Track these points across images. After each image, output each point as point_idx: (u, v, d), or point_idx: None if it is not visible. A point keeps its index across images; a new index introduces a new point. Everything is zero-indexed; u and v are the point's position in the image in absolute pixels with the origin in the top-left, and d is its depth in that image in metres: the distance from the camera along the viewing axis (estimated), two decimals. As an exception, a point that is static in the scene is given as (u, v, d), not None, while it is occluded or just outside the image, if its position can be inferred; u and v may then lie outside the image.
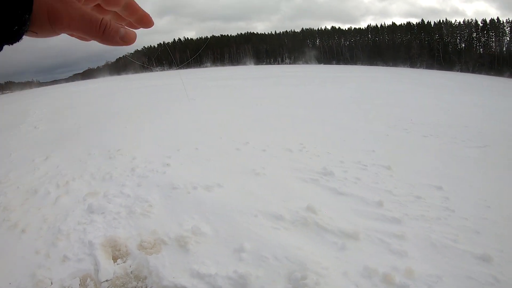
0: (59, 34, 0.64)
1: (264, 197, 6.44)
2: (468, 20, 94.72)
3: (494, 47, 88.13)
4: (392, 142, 10.24)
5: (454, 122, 13.06)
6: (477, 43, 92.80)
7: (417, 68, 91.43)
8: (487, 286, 3.91)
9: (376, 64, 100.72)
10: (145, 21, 0.77)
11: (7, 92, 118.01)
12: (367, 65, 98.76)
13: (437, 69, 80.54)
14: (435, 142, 10.23)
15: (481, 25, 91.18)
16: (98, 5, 0.71)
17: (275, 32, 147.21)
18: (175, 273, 4.42)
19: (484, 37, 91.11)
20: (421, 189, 6.65)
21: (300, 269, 4.20)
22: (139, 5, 0.76)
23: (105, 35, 0.65)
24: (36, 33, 0.61)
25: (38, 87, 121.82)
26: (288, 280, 4.09)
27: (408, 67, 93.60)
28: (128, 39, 0.69)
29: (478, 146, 9.67)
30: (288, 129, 12.24)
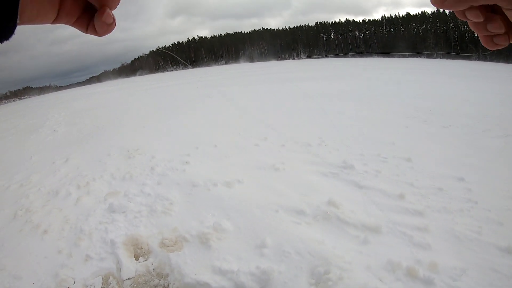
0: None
1: (284, 192, 6.44)
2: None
3: None
4: (411, 134, 10.14)
5: (474, 112, 12.86)
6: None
7: (434, 58, 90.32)
8: (512, 278, 3.86)
9: (392, 56, 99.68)
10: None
11: (25, 97, 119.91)
12: (383, 57, 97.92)
13: (454, 59, 79.31)
14: (455, 133, 10.10)
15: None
16: None
17: (289, 27, 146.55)
18: (197, 270, 4.44)
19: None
20: (443, 180, 6.57)
21: (323, 263, 4.18)
22: None
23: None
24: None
25: (56, 91, 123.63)
26: (311, 275, 4.09)
27: (425, 57, 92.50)
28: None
29: (499, 135, 9.52)
30: (306, 124, 12.21)
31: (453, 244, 4.55)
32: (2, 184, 8.75)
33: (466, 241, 4.58)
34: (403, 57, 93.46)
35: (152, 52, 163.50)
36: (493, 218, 5.13)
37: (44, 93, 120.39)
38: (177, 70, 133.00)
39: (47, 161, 10.47)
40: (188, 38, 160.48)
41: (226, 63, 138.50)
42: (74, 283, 4.52)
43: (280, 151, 9.10)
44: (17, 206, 7.13)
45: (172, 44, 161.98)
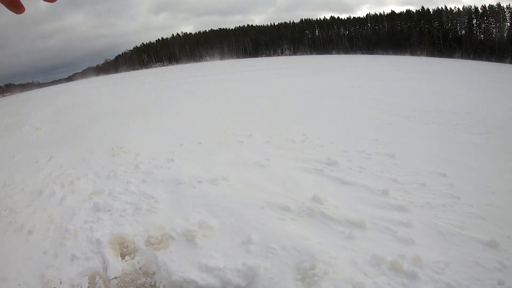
0: None
1: (269, 188, 6.47)
2: (467, 6, 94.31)
3: (494, 34, 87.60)
4: (395, 130, 10.23)
5: (456, 109, 13.02)
6: (477, 30, 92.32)
7: (418, 56, 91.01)
8: (494, 272, 3.92)
9: (376, 53, 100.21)
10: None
11: (8, 95, 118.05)
12: (367, 54, 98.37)
13: (438, 57, 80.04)
14: (438, 129, 10.22)
15: (481, 11, 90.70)
16: None
17: (274, 23, 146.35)
18: (184, 267, 4.44)
19: (484, 23, 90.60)
20: (426, 176, 6.65)
21: (309, 259, 4.22)
22: None
23: None
24: None
25: (39, 88, 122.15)
26: (297, 271, 4.11)
27: (408, 55, 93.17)
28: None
29: (481, 132, 9.65)
30: (291, 120, 12.26)
31: (436, 238, 4.61)
32: None
33: (449, 236, 4.64)
34: (387, 54, 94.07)
35: (136, 48, 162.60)
36: (475, 213, 5.21)
37: (26, 90, 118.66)
38: (161, 66, 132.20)
39: (31, 160, 10.35)
40: (173, 34, 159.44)
41: (210, 60, 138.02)
42: (61, 283, 4.48)
43: (264, 148, 9.13)
44: (1, 206, 7.05)
45: (156, 40, 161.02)
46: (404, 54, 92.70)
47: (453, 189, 6.07)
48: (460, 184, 6.25)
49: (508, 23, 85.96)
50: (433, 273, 3.92)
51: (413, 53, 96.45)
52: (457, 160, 7.57)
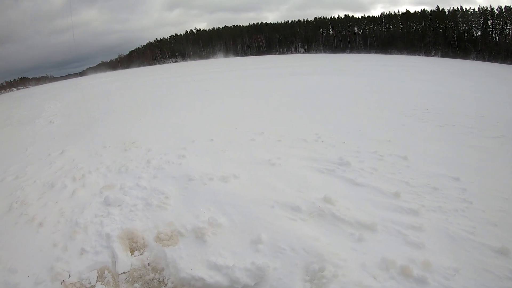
0: None
1: (280, 187, 6.45)
2: (483, 7, 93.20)
3: (510, 35, 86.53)
4: (408, 132, 10.14)
5: (471, 112, 12.88)
6: (493, 31, 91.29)
7: (432, 56, 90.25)
8: (504, 280, 3.87)
9: (390, 53, 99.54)
10: None
11: (22, 88, 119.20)
12: (381, 54, 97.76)
13: (453, 58, 79.21)
14: (451, 132, 10.11)
15: (496, 12, 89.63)
16: None
17: (288, 21, 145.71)
18: (193, 264, 4.46)
19: (500, 24, 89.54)
20: (438, 180, 6.58)
21: (318, 260, 4.20)
22: None
23: None
24: None
25: (52, 82, 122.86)
26: (305, 272, 4.10)
27: (422, 55, 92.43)
28: None
29: (495, 136, 9.52)
30: (303, 119, 12.22)
31: (447, 243, 4.57)
32: None
33: (460, 241, 4.59)
34: (401, 54, 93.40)
35: (149, 44, 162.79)
36: (487, 218, 5.15)
37: (40, 84, 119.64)
38: (174, 62, 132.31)
39: (43, 153, 10.46)
40: (186, 31, 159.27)
41: (224, 56, 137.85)
42: (69, 276, 4.52)
43: (276, 146, 9.10)
44: (12, 198, 7.14)
45: (170, 36, 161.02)
46: (418, 54, 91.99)
47: (465, 193, 6.00)
48: (473, 188, 6.17)
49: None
50: (442, 279, 3.88)
51: (427, 53, 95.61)
52: (470, 164, 7.48)
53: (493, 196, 5.92)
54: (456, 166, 7.31)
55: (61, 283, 4.42)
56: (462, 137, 9.59)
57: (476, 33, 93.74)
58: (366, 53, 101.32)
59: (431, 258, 4.17)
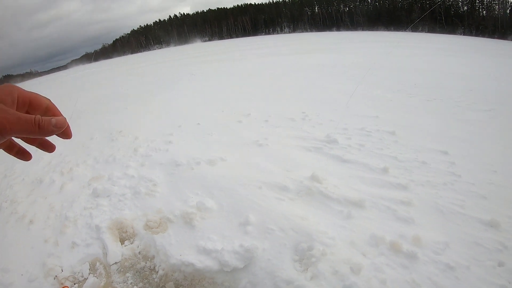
0: (6, 139, 0.73)
1: (267, 168, 6.43)
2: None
3: (497, 10, 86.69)
4: (396, 107, 10.13)
5: (459, 86, 12.89)
6: (479, 6, 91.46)
7: (419, 32, 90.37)
8: (495, 253, 3.86)
9: (377, 29, 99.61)
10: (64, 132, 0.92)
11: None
12: (368, 31, 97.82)
13: (440, 33, 79.39)
14: (439, 106, 10.10)
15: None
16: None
17: (273, 1, 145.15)
18: (182, 250, 4.43)
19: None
20: (427, 154, 6.58)
21: (306, 240, 4.17)
22: (58, 109, 0.97)
23: (41, 128, 0.76)
24: None
25: (37, 77, 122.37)
26: (294, 252, 4.07)
27: (409, 31, 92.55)
28: (60, 125, 0.83)
29: (484, 109, 9.53)
30: (290, 98, 12.19)
31: (437, 218, 4.56)
32: None
33: (450, 215, 4.59)
34: (388, 31, 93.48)
35: (133, 32, 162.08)
36: (477, 191, 5.15)
37: (25, 80, 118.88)
38: (160, 48, 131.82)
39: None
40: (170, 16, 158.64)
41: (209, 40, 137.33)
42: (62, 271, 4.52)
43: (263, 127, 9.07)
44: (2, 197, 7.12)
45: (153, 22, 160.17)
46: (405, 30, 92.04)
47: (454, 167, 6.00)
48: (462, 162, 6.18)
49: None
50: (432, 253, 3.87)
51: (414, 29, 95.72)
52: (458, 137, 7.48)
53: (482, 169, 5.92)
54: (445, 140, 7.32)
55: (54, 278, 4.41)
56: (450, 111, 9.59)
57: (463, 8, 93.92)
58: (352, 31, 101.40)
59: (420, 233, 4.15)
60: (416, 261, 3.76)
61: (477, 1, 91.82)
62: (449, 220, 4.48)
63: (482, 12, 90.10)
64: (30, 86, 47.84)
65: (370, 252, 3.95)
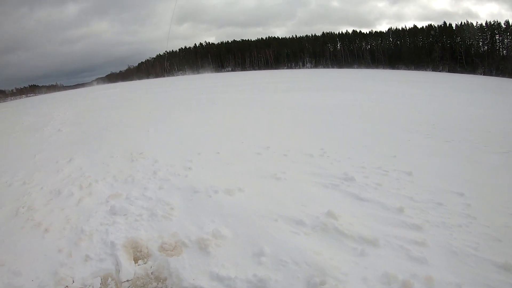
0: None
1: (284, 201, 6.46)
2: (489, 22, 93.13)
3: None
4: (413, 148, 10.14)
5: (477, 127, 12.87)
6: (500, 45, 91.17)
7: (439, 71, 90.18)
8: (507, 295, 3.87)
9: (398, 68, 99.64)
10: None
11: (31, 95, 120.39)
12: (389, 69, 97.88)
13: (460, 73, 79.09)
14: (457, 148, 10.09)
15: (504, 26, 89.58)
16: None
17: (296, 36, 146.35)
18: (195, 275, 4.47)
19: (507, 39, 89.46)
20: (443, 195, 6.57)
21: (319, 274, 4.20)
22: None
23: None
24: None
25: (62, 90, 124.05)
26: (307, 285, 4.10)
27: (430, 70, 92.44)
28: None
29: (501, 151, 9.50)
30: (309, 134, 12.24)
31: (450, 259, 4.55)
32: (5, 181, 8.82)
33: (463, 257, 4.58)
34: (409, 69, 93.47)
35: (159, 56, 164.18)
36: (491, 234, 5.13)
37: (50, 92, 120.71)
38: (183, 75, 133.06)
39: (51, 160, 10.55)
40: (195, 44, 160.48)
41: (232, 70, 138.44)
42: (73, 282, 4.55)
43: (281, 161, 9.12)
44: (19, 203, 7.18)
45: (179, 49, 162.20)
46: (425, 70, 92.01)
47: (469, 209, 5.98)
48: (477, 204, 6.15)
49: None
50: (445, 294, 3.88)
51: (435, 68, 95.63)
52: (475, 179, 7.45)
53: (497, 211, 5.89)
54: (461, 181, 7.29)
55: None
56: (468, 152, 9.58)
57: (483, 48, 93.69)
58: (373, 68, 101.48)
59: (433, 274, 4.16)
60: (427, 302, 3.78)
61: (498, 41, 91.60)
62: (463, 262, 4.47)
63: (502, 51, 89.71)
64: (56, 97, 48.73)
65: (382, 290, 3.98)
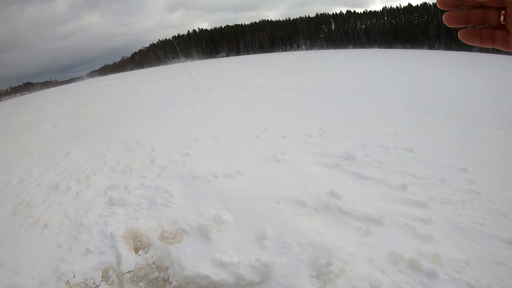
0: None
1: (285, 183, 6.40)
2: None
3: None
4: (413, 124, 10.06)
5: (476, 103, 12.78)
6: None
7: (435, 49, 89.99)
8: (516, 271, 3.79)
9: (393, 47, 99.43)
10: None
11: (26, 93, 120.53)
12: (384, 48, 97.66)
13: (456, 50, 78.87)
14: (457, 123, 10.01)
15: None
16: None
17: (290, 18, 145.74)
18: (197, 262, 4.40)
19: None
20: (446, 171, 6.51)
21: (324, 255, 4.13)
22: None
23: None
24: None
25: (56, 86, 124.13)
26: (312, 267, 4.03)
27: (426, 48, 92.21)
28: None
29: (502, 127, 9.42)
30: (307, 115, 12.16)
31: (456, 235, 4.49)
32: (3, 180, 8.80)
33: (469, 233, 4.51)
34: (404, 48, 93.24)
35: (152, 45, 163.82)
36: (497, 209, 5.07)
37: (45, 88, 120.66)
38: (178, 62, 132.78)
39: (48, 155, 10.55)
40: (188, 31, 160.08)
41: (226, 55, 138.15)
42: (74, 277, 4.50)
43: (281, 142, 9.05)
44: (17, 201, 7.16)
45: (172, 37, 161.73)
46: (421, 48, 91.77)
47: (473, 184, 5.92)
48: (481, 179, 6.09)
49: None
50: (453, 271, 3.80)
51: (430, 46, 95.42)
52: (477, 155, 7.39)
53: (502, 186, 5.83)
54: (463, 157, 7.23)
55: (66, 283, 4.39)
56: (469, 128, 9.50)
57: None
58: (369, 48, 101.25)
59: (440, 251, 4.09)
60: (436, 279, 3.70)
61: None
62: (469, 238, 4.41)
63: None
64: (51, 93, 48.63)
65: (389, 269, 3.89)
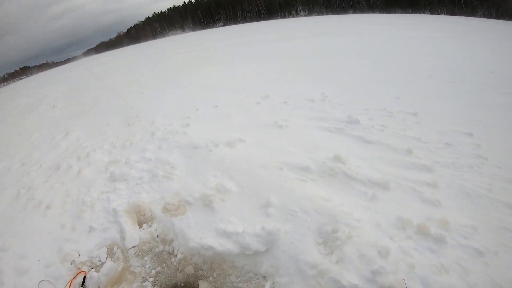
0: None
1: (288, 149, 6.34)
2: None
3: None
4: (416, 89, 9.91)
5: (480, 69, 12.58)
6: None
7: (438, 14, 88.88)
8: (524, 240, 3.74)
9: (394, 12, 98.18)
10: None
11: (24, 77, 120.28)
12: (385, 13, 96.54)
13: (459, 15, 77.88)
14: (461, 88, 9.85)
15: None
16: None
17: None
18: (202, 233, 4.39)
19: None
20: (451, 135, 6.42)
21: (330, 221, 4.08)
22: None
23: None
24: None
25: (54, 67, 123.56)
26: (318, 234, 3.98)
27: (428, 13, 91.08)
28: None
29: (507, 92, 9.27)
30: (309, 80, 12.04)
31: (463, 201, 4.44)
32: (4, 166, 8.85)
33: (476, 199, 4.47)
34: (406, 13, 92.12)
35: (148, 19, 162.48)
36: (504, 175, 5.00)
37: (42, 71, 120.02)
38: (175, 35, 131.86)
39: (47, 137, 10.62)
40: (184, 2, 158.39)
41: (224, 25, 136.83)
42: (79, 256, 4.53)
43: (282, 108, 8.97)
44: (20, 185, 7.21)
45: (168, 9, 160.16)
46: (423, 13, 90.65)
47: (479, 149, 5.84)
48: (487, 144, 6.00)
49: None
50: (461, 237, 3.76)
51: (432, 11, 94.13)
52: (482, 119, 7.28)
53: (508, 152, 5.74)
54: (468, 121, 7.14)
55: (71, 263, 4.41)
56: (473, 93, 9.35)
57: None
58: (369, 13, 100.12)
59: (448, 216, 4.05)
60: (444, 245, 3.67)
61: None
62: (476, 204, 4.36)
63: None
64: (49, 74, 48.40)
65: (397, 235, 3.85)
